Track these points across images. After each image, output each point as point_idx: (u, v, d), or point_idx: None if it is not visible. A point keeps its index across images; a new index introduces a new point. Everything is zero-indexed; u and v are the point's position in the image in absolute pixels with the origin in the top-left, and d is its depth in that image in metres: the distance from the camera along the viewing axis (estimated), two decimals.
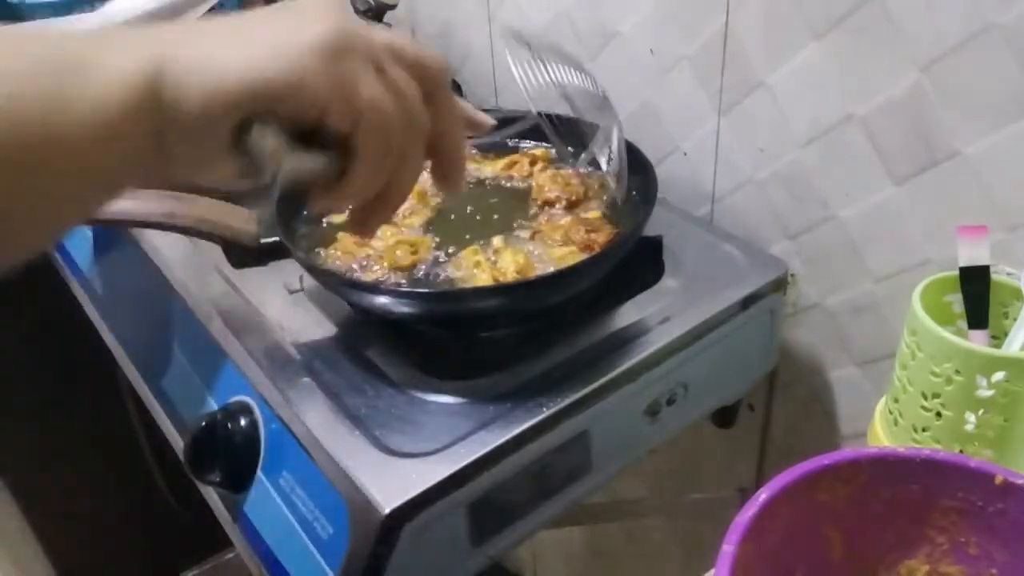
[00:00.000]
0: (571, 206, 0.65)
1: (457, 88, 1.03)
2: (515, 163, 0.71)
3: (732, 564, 0.33)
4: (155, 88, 0.30)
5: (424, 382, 0.55)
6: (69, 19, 0.79)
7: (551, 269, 0.58)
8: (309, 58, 0.31)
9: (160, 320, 0.70)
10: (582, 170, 0.68)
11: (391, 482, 0.47)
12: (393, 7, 1.03)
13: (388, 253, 0.60)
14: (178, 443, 0.65)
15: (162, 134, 0.31)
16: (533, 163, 0.70)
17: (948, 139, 0.54)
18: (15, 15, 1.07)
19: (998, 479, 0.36)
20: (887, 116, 0.57)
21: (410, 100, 0.35)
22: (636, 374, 0.56)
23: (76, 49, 0.30)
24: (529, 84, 0.62)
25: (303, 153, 0.33)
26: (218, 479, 0.56)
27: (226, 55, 0.31)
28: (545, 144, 0.72)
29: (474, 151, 0.73)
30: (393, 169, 0.36)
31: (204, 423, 0.55)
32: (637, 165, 0.64)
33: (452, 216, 0.66)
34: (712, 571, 0.33)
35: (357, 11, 1.03)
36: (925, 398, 0.47)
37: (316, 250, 0.62)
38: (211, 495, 0.61)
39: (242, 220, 0.59)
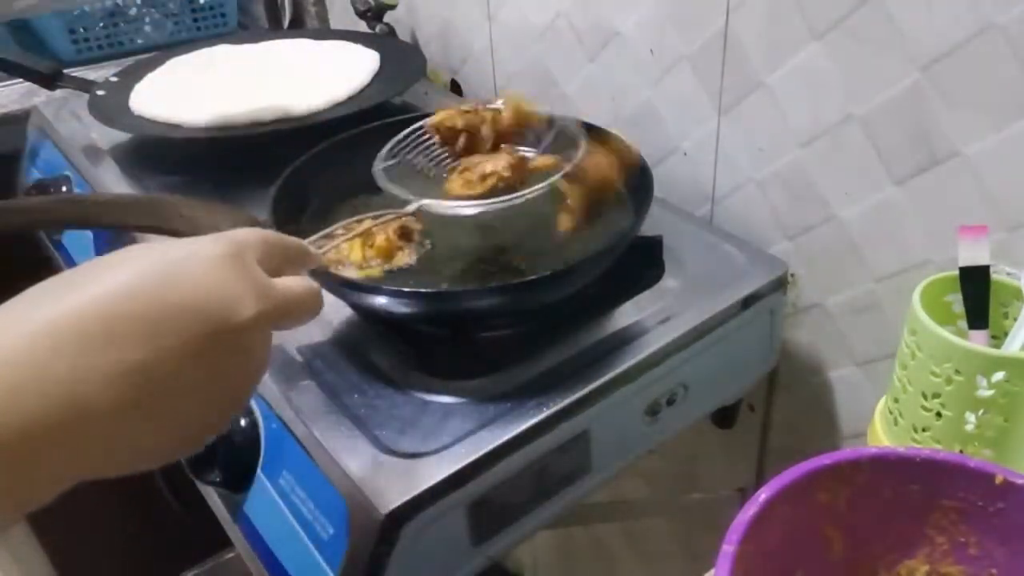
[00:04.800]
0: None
1: (457, 88, 1.03)
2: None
3: (732, 564, 0.33)
4: None
5: (424, 382, 0.55)
6: None
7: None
8: None
9: None
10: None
11: (391, 482, 0.47)
12: (393, 7, 1.03)
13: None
14: None
15: None
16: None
17: (948, 139, 0.54)
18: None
19: (998, 479, 0.36)
20: (887, 116, 0.57)
21: None
22: (636, 374, 0.56)
23: None
24: None
25: None
26: (218, 479, 0.56)
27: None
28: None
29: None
30: None
31: None
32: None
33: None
34: (712, 571, 0.33)
35: (357, 12, 1.03)
36: (925, 398, 0.47)
37: None
38: (211, 495, 0.61)
39: (239, 223, 0.59)
